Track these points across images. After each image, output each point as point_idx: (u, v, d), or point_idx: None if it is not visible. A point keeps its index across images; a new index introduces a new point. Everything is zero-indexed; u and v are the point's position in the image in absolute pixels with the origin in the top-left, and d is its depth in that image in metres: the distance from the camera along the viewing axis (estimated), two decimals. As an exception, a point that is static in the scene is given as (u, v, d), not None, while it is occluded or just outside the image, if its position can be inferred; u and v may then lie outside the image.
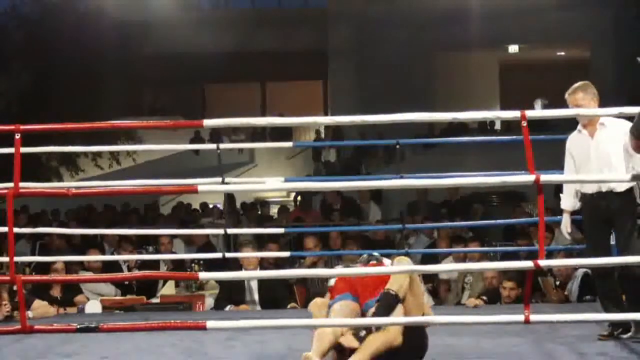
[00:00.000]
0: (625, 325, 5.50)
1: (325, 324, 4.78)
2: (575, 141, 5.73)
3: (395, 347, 4.70)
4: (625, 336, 5.48)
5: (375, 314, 4.77)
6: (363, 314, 4.89)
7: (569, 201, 5.75)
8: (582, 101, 5.55)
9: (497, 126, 19.43)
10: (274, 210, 16.69)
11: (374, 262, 5.16)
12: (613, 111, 4.89)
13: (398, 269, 4.88)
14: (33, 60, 18.44)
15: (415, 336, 4.85)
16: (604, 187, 5.50)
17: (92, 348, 5.75)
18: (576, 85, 5.65)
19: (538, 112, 4.71)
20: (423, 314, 4.95)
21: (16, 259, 5.15)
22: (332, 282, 5.08)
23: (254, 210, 14.79)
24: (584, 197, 5.63)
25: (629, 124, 5.42)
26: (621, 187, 5.45)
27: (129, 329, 4.95)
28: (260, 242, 9.32)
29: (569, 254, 7.76)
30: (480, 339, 5.69)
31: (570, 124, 5.89)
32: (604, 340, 5.53)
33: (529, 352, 5.40)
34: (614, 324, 5.53)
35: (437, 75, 23.81)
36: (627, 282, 5.52)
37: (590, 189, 5.57)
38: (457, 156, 16.31)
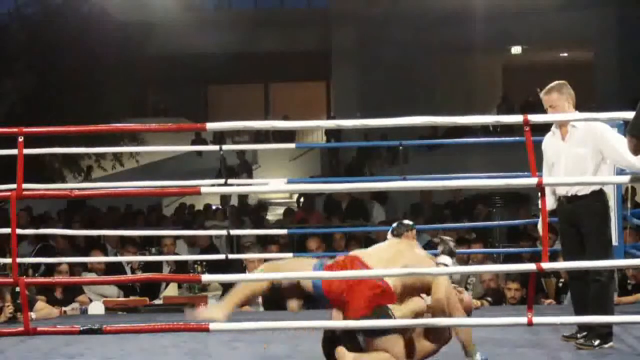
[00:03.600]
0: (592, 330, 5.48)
1: (326, 325, 4.76)
2: (548, 142, 5.72)
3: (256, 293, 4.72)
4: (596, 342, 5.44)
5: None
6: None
7: (548, 201, 5.72)
8: (557, 102, 5.54)
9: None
10: (277, 212, 16.71)
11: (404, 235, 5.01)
12: (613, 115, 4.86)
13: (397, 272, 4.71)
14: (36, 61, 18.44)
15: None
16: (571, 191, 5.49)
17: (95, 349, 5.76)
18: (551, 85, 5.62)
19: (541, 116, 4.69)
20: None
21: (19, 260, 5.16)
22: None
23: (256, 211, 14.80)
24: (557, 200, 5.63)
25: (601, 125, 5.43)
26: (585, 191, 5.43)
27: (132, 331, 4.96)
28: (263, 243, 9.33)
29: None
30: (482, 340, 5.68)
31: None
32: (566, 341, 5.53)
33: (532, 353, 5.40)
34: (581, 327, 5.53)
35: (440, 76, 23.79)
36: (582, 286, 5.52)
37: (561, 192, 5.57)
38: (461, 157, 16.31)
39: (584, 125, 5.46)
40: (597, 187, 5.43)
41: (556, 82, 5.64)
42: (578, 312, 5.51)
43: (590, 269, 5.26)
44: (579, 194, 5.46)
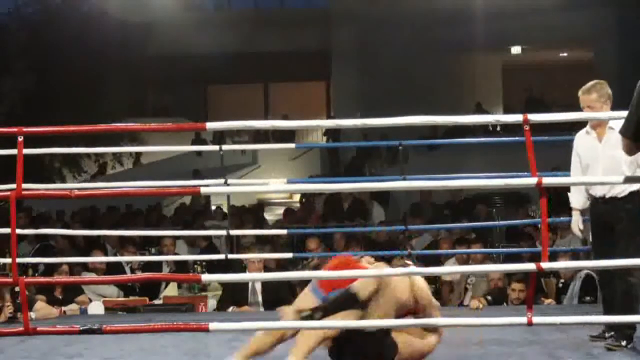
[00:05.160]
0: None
1: (326, 326, 4.76)
2: (582, 142, 5.63)
3: (327, 338, 4.67)
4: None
5: (326, 307, 4.69)
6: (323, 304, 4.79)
7: (578, 199, 5.68)
8: (595, 102, 5.45)
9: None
10: (277, 212, 16.71)
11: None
12: (614, 114, 4.85)
13: (395, 272, 4.79)
14: (36, 61, 18.47)
15: (368, 341, 4.75)
16: (609, 193, 5.42)
17: (95, 349, 5.76)
18: (591, 84, 5.53)
19: (541, 115, 4.67)
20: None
21: (19, 260, 5.16)
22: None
23: (256, 211, 14.80)
24: (592, 200, 5.59)
25: None
26: (624, 193, 5.37)
27: (132, 331, 4.95)
28: (263, 243, 9.34)
29: (573, 254, 7.77)
30: (483, 340, 5.69)
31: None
32: (596, 341, 5.52)
33: (532, 353, 5.40)
34: (608, 326, 5.51)
35: (440, 76, 23.77)
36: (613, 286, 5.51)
37: (597, 193, 5.50)
38: (461, 157, 16.28)
39: None
40: (634, 188, 5.36)
41: (595, 81, 5.56)
42: (607, 313, 5.47)
43: (593, 268, 5.25)
44: (619, 196, 5.39)
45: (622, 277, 5.33)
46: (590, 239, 5.69)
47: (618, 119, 5.13)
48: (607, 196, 5.45)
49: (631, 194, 5.38)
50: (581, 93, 5.53)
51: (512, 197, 14.25)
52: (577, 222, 5.74)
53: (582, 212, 5.72)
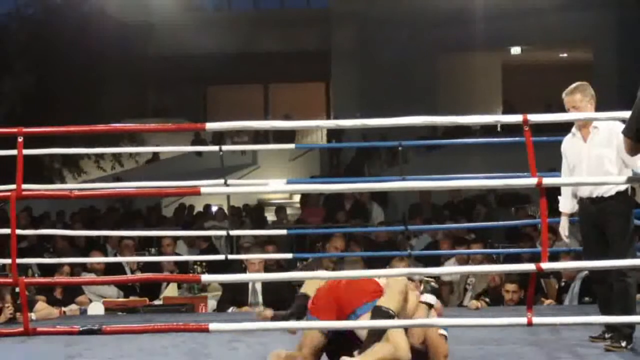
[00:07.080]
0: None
1: (326, 326, 4.76)
2: (569, 144, 5.66)
3: None
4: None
5: (370, 333, 4.58)
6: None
7: (566, 204, 5.70)
8: (580, 103, 5.46)
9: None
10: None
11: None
12: (614, 115, 4.85)
13: (396, 272, 4.81)
14: (36, 62, 18.48)
15: None
16: (595, 192, 5.43)
17: (95, 350, 5.76)
18: (574, 85, 5.55)
19: (541, 116, 4.68)
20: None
21: (19, 260, 5.16)
22: (306, 288, 4.94)
23: (256, 212, 14.80)
24: (580, 201, 5.60)
25: (622, 126, 5.39)
26: (611, 192, 5.37)
27: (132, 331, 4.95)
28: (263, 244, 9.34)
29: (575, 255, 7.77)
30: (482, 340, 5.69)
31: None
32: (595, 342, 5.52)
33: (531, 354, 5.40)
34: (608, 327, 5.51)
35: (440, 76, 23.79)
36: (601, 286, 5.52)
37: (584, 193, 5.51)
38: (460, 157, 16.29)
39: (606, 126, 5.39)
40: (621, 188, 5.35)
41: (578, 82, 5.57)
42: (605, 314, 5.46)
43: (592, 269, 5.25)
44: (605, 195, 5.38)
45: (618, 277, 5.34)
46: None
47: (617, 119, 5.14)
48: (593, 196, 5.45)
49: (619, 193, 5.37)
50: (565, 95, 5.56)
51: (511, 198, 14.25)
52: (563, 227, 5.76)
53: (572, 216, 5.74)
